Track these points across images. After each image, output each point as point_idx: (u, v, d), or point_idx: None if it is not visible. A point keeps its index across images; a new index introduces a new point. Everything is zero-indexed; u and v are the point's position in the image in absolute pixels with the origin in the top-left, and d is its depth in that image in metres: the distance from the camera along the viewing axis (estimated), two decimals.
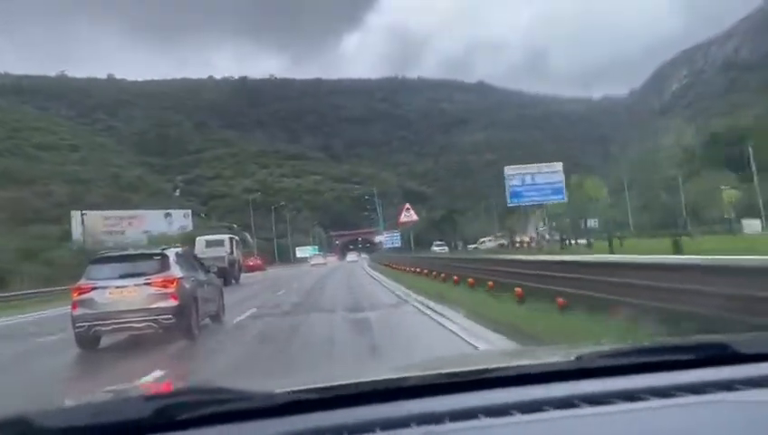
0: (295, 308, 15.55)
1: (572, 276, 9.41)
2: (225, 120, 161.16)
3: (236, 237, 42.08)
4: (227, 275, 30.30)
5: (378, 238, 78.37)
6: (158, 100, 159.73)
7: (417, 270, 25.23)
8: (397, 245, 68.60)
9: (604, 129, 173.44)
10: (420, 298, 14.66)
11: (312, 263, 63.11)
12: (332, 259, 75.77)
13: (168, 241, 37.18)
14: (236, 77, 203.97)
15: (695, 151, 52.47)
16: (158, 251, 10.52)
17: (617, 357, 1.54)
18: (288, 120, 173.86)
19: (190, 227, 61.62)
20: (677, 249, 21.75)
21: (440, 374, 1.49)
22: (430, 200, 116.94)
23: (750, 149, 45.26)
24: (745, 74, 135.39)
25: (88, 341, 9.72)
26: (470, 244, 64.79)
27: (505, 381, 1.40)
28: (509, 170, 38.95)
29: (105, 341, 10.24)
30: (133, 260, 10.32)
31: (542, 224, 63.92)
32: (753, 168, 44.57)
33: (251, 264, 47.02)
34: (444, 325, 9.63)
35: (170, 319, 9.49)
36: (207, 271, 12.48)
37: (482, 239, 63.85)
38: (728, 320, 5.18)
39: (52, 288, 32.50)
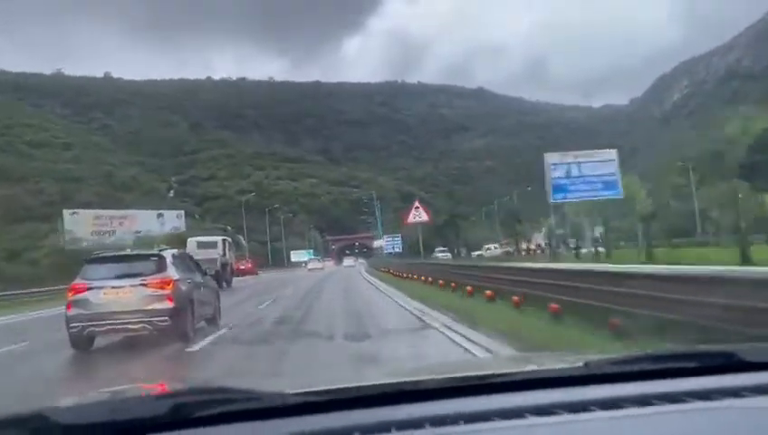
0: (280, 328, 12.15)
1: (622, 290, 7.77)
2: (221, 122, 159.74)
3: (229, 239, 40.58)
4: (219, 278, 28.62)
5: (376, 243, 76.07)
6: (155, 99, 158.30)
7: (422, 278, 23.27)
8: (398, 250, 65.47)
9: (605, 137, 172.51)
10: (443, 318, 11.24)
11: (310, 267, 63.13)
12: (329, 264, 75.30)
13: (155, 242, 35.55)
14: (235, 78, 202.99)
15: (706, 159, 51.05)
16: (155, 252, 10.38)
17: (624, 364, 1.55)
18: (286, 123, 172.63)
19: (183, 229, 59.83)
20: (747, 260, 19.70)
21: (453, 378, 1.51)
22: (430, 206, 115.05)
23: None
24: (748, 84, 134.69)
25: (82, 341, 9.57)
26: (474, 250, 62.63)
27: (517, 386, 1.42)
28: (551, 158, 31.87)
29: (79, 355, 9.63)
30: (129, 260, 10.26)
31: (544, 230, 62.34)
32: None
33: (242, 267, 44.75)
34: None
35: (166, 321, 9.34)
36: (204, 273, 12.38)
37: (487, 246, 61.71)
38: None
39: (35, 289, 30.97)
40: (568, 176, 29.47)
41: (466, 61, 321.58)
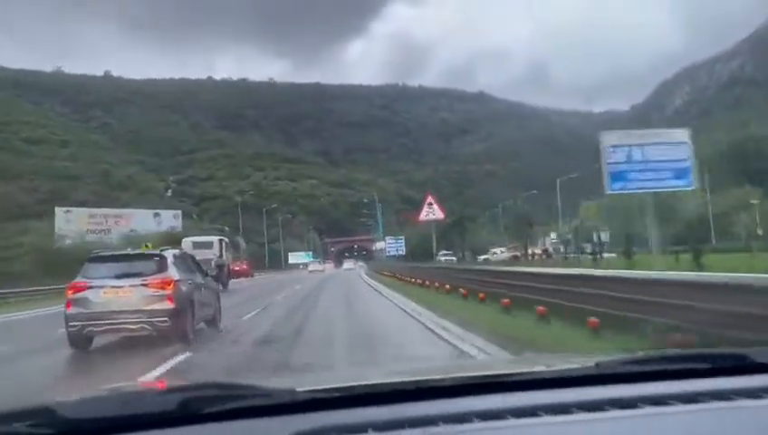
0: (258, 357, 8.95)
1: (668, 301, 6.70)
2: (221, 122, 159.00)
3: (226, 240, 39.57)
4: (215, 280, 27.52)
5: (378, 245, 74.47)
6: (155, 99, 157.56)
7: (435, 285, 21.84)
8: (401, 252, 63.69)
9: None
10: (470, 335, 9.12)
11: (310, 269, 64.36)
12: (329, 266, 75.94)
13: (144, 241, 34.42)
14: (235, 79, 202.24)
15: (712, 164, 50.12)
16: (156, 252, 10.29)
17: (635, 364, 1.56)
18: (286, 124, 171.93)
19: (180, 228, 58.77)
20: None
21: (465, 377, 1.52)
22: None
23: None
24: (750, 91, 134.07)
25: (80, 341, 9.47)
26: (479, 254, 60.78)
27: (530, 385, 1.42)
28: (609, 138, 28.00)
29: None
30: (130, 260, 10.17)
31: (554, 234, 61.01)
32: None
33: (236, 269, 43.20)
34: None
35: (165, 322, 9.22)
36: (206, 274, 12.20)
37: (493, 250, 59.74)
38: None
39: (23, 289, 29.93)
40: (629, 160, 25.95)
41: (468, 65, 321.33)
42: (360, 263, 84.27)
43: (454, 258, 53.59)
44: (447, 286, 19.25)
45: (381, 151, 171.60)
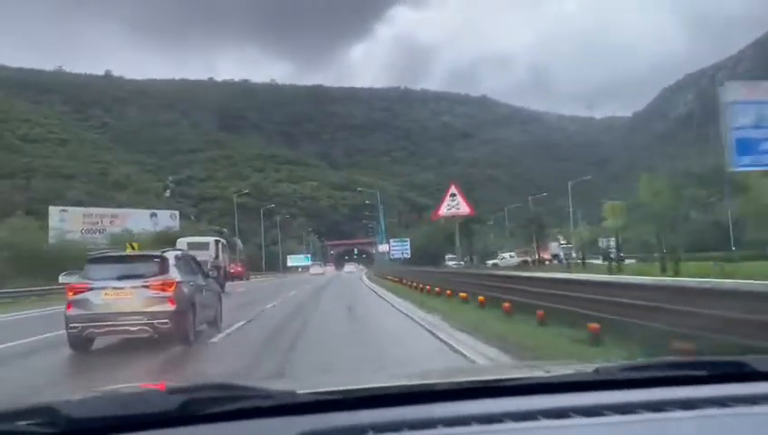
0: None
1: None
2: (222, 123, 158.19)
3: (223, 241, 38.40)
4: None
5: (381, 248, 72.61)
6: (156, 99, 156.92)
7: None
8: (406, 256, 61.33)
9: (607, 149, 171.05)
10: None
11: (312, 272, 65.52)
12: (330, 269, 76.29)
13: (138, 241, 33.11)
14: (237, 80, 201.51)
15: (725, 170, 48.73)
16: (157, 253, 10.22)
17: (634, 370, 1.55)
18: (287, 126, 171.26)
19: (177, 229, 57.49)
20: None
21: (464, 381, 1.54)
22: (432, 210, 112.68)
23: None
24: None
25: (81, 342, 9.38)
26: (487, 259, 58.77)
27: (528, 389, 1.42)
28: (732, 92, 19.73)
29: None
30: (132, 261, 10.14)
31: (562, 238, 59.49)
32: None
33: (230, 271, 41.30)
34: None
35: (166, 324, 9.13)
36: (207, 276, 12.02)
37: (502, 254, 57.71)
38: None
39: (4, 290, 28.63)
40: (760, 125, 17.67)
41: (471, 69, 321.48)
42: (360, 266, 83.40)
43: (461, 263, 51.67)
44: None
45: (383, 154, 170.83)
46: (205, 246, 32.98)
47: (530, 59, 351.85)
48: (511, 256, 56.12)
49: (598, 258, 45.09)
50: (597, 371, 1.52)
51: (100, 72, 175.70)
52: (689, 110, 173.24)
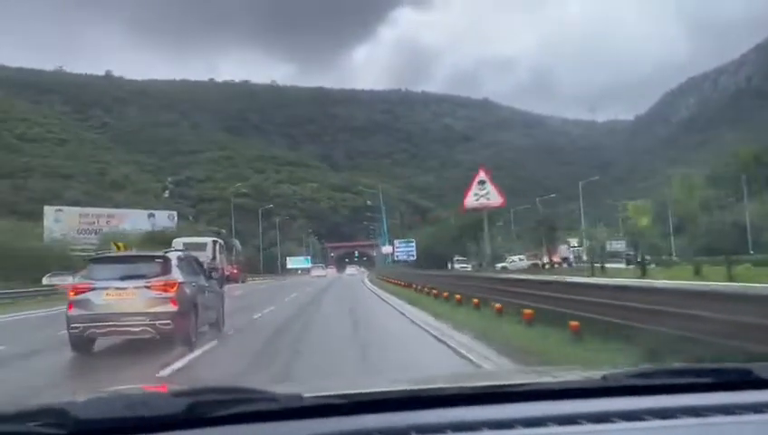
0: None
1: None
2: (222, 124, 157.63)
3: (220, 241, 37.69)
4: None
5: (384, 249, 71.31)
6: (156, 99, 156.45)
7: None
8: (412, 258, 59.51)
9: (609, 153, 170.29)
10: None
11: (313, 274, 66.86)
12: (331, 271, 76.72)
13: (115, 241, 32.07)
14: (238, 81, 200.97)
15: (738, 173, 47.95)
16: (159, 253, 10.26)
17: (642, 377, 1.55)
18: (288, 127, 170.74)
19: (174, 229, 56.69)
20: None
21: (473, 386, 1.53)
22: (433, 213, 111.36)
23: None
24: (757, 102, 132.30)
25: (82, 343, 9.36)
26: (496, 262, 57.11)
27: (538, 396, 1.43)
28: None
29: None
30: (134, 262, 10.15)
31: (573, 241, 58.39)
32: None
33: (225, 273, 39.38)
34: None
35: (168, 325, 9.06)
36: (210, 277, 12.00)
37: (511, 257, 56.11)
38: None
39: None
40: None
41: (473, 71, 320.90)
42: (362, 269, 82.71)
43: (468, 266, 50.31)
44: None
45: (384, 156, 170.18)
46: (202, 246, 32.42)
47: (532, 62, 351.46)
48: (520, 259, 54.41)
49: (620, 262, 43.57)
50: (604, 377, 1.50)
51: (101, 73, 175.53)
52: (691, 113, 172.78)
